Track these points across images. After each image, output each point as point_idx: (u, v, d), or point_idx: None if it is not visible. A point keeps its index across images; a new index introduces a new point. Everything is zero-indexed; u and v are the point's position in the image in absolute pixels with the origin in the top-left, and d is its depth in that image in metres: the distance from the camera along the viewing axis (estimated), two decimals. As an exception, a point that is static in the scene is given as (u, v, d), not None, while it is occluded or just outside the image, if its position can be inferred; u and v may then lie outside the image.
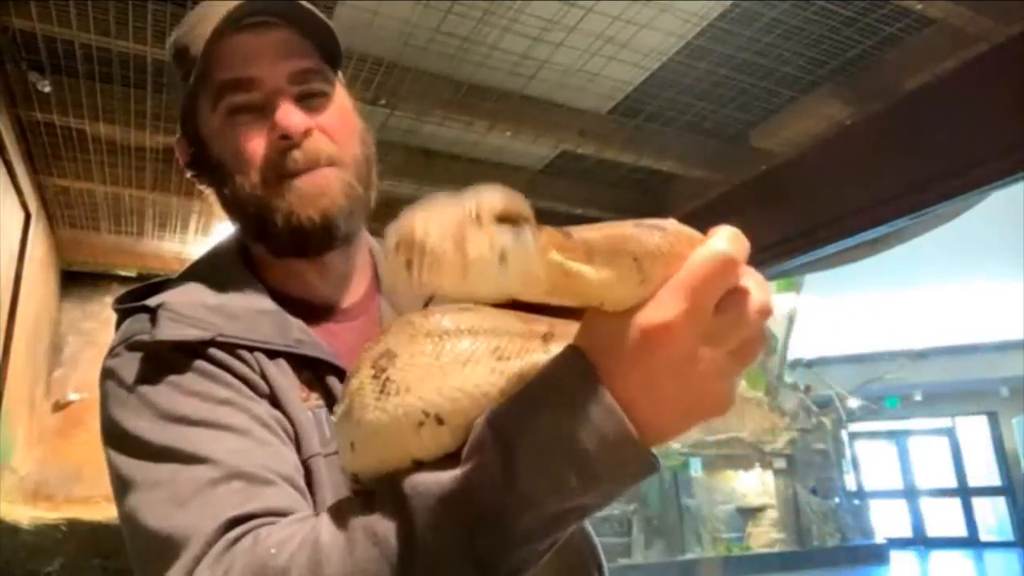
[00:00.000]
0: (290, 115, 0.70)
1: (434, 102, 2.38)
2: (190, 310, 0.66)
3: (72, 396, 3.93)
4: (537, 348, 0.49)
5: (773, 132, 2.66)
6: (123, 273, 4.12)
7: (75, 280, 4.10)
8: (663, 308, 0.41)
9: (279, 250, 0.74)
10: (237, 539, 0.50)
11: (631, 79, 2.39)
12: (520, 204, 0.38)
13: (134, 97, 2.37)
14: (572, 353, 0.44)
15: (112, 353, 0.66)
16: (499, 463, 0.42)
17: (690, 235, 0.43)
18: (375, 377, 0.48)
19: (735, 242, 0.41)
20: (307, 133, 0.71)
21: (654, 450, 0.43)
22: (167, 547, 0.51)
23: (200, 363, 0.62)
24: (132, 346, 0.64)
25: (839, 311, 10.57)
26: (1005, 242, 7.32)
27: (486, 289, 0.37)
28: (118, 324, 0.71)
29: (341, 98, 0.77)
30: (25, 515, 2.81)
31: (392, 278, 0.37)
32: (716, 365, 0.42)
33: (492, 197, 0.37)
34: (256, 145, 0.71)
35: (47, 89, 2.26)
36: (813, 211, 2.62)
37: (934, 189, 2.23)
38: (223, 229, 0.78)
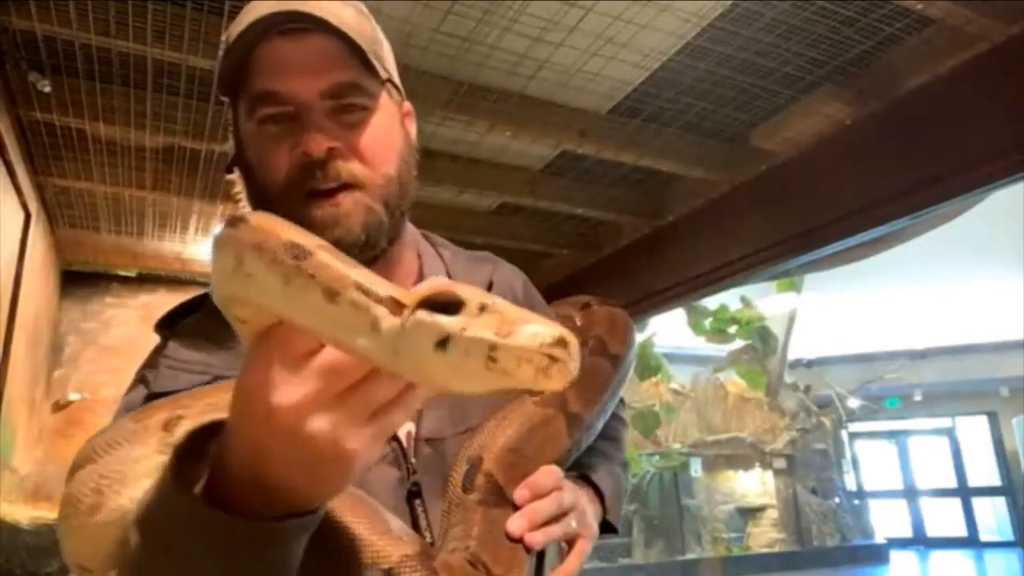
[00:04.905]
0: (313, 135, 0.70)
1: (434, 102, 2.38)
2: (191, 353, 0.72)
3: (72, 396, 3.93)
4: (152, 448, 0.55)
5: (773, 132, 2.65)
6: (123, 273, 4.12)
7: (75, 280, 4.10)
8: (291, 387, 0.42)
9: None
10: None
11: (631, 79, 2.39)
12: None
13: (134, 97, 2.37)
14: (172, 461, 0.47)
15: (137, 371, 0.77)
16: None
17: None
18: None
19: None
20: (330, 153, 0.71)
21: None
22: None
23: None
24: (140, 379, 0.74)
25: (839, 311, 10.56)
26: (1005, 242, 7.32)
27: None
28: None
29: (383, 113, 0.76)
30: (25, 515, 2.81)
31: None
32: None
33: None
34: (282, 158, 0.72)
35: (47, 89, 2.26)
36: (813, 211, 2.61)
37: (934, 189, 2.22)
38: (223, 230, 0.79)
